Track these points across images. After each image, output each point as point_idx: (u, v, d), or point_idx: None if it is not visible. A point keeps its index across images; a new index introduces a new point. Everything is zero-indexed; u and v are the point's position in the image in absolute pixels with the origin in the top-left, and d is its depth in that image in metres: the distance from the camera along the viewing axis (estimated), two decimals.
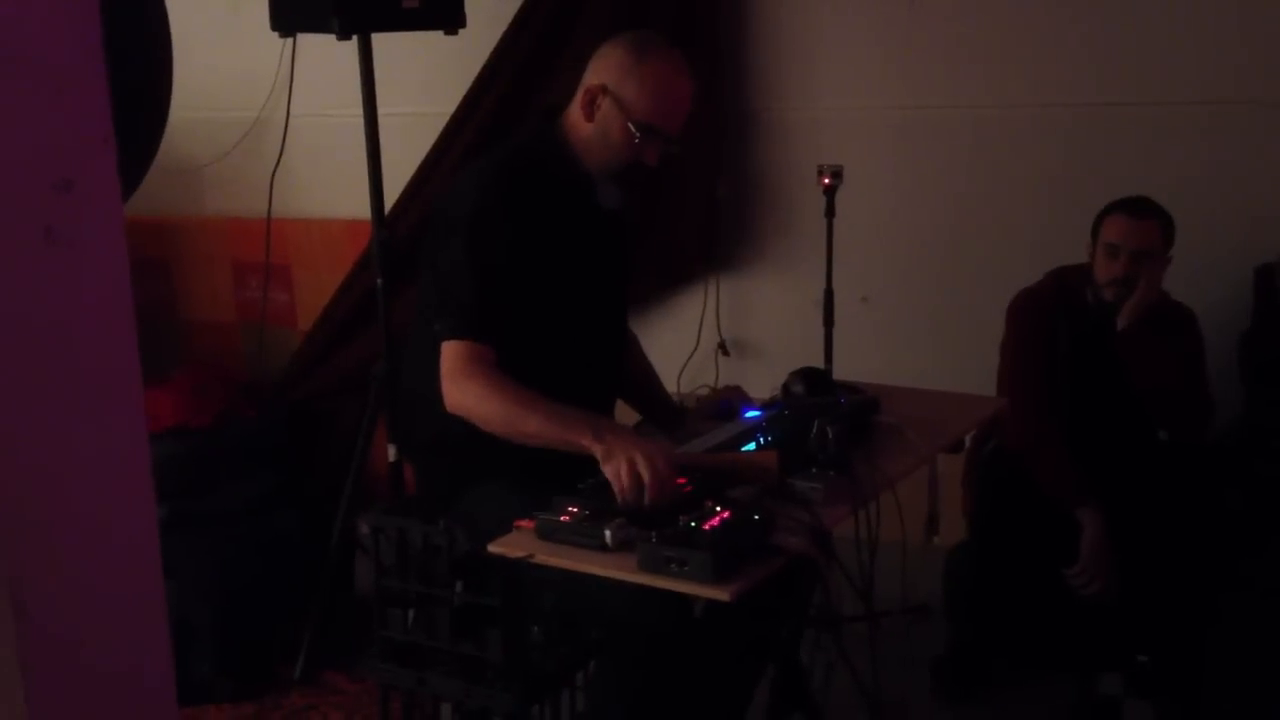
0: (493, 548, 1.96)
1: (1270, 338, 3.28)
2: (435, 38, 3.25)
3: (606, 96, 2.35)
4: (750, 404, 2.49)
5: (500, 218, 2.31)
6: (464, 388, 2.25)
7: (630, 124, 2.33)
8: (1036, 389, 3.07)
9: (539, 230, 2.34)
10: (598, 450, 2.07)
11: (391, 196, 3.68)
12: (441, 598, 2.08)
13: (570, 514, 1.96)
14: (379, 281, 3.29)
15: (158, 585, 1.09)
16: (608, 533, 1.89)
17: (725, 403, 2.55)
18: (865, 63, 3.88)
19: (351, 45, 3.14)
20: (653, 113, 2.34)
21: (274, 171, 3.89)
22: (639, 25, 3.69)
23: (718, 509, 1.91)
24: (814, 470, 2.09)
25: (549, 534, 1.95)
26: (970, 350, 3.41)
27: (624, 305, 2.66)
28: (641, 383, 2.71)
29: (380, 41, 3.22)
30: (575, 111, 2.40)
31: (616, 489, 2.00)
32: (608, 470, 2.03)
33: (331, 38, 3.07)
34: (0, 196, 0.93)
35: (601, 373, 2.53)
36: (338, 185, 4.12)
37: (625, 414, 2.64)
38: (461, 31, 3.28)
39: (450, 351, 2.28)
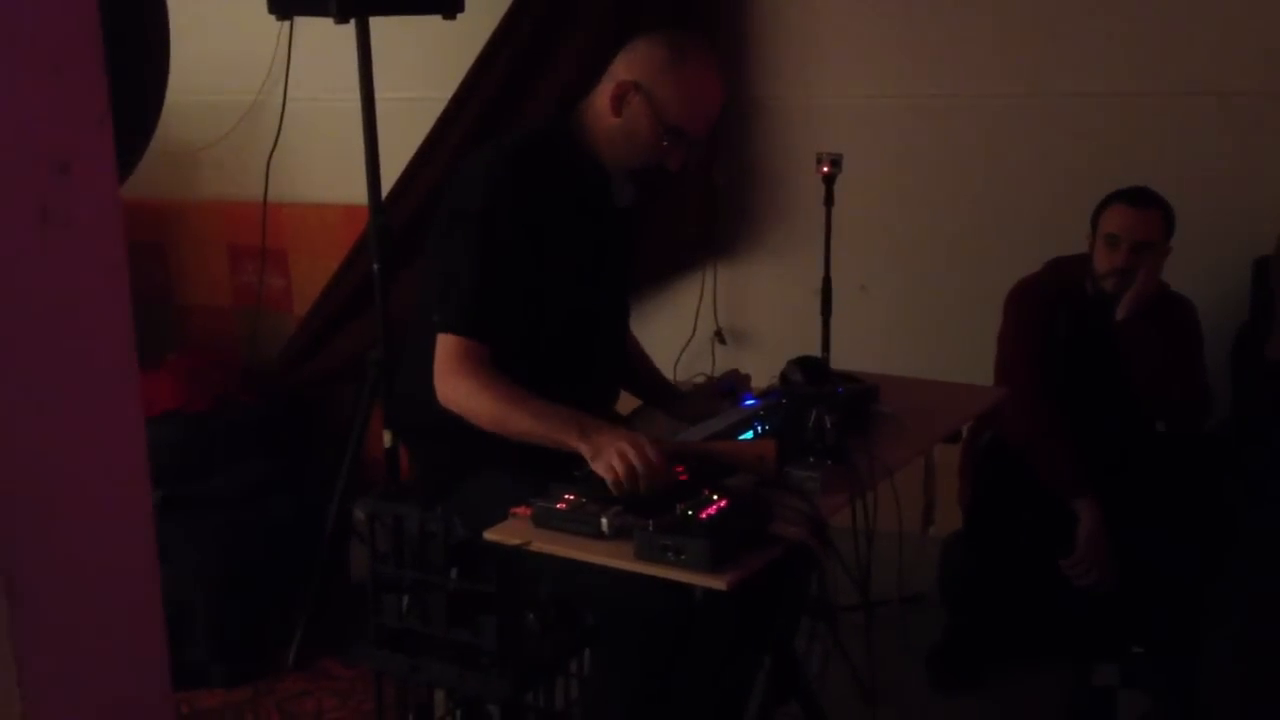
0: (489, 535, 1.95)
1: (1267, 330, 3.27)
2: (433, 22, 3.24)
3: (639, 94, 2.28)
4: (749, 391, 2.49)
5: (510, 212, 2.26)
6: (454, 384, 2.23)
7: (661, 125, 2.28)
8: (1034, 380, 3.06)
9: (548, 223, 2.30)
10: (584, 449, 2.06)
11: (389, 181, 3.67)
12: (436, 584, 2.07)
13: (567, 501, 1.95)
14: (376, 267, 3.27)
15: (153, 569, 1.09)
16: (604, 520, 1.88)
17: (727, 384, 2.54)
18: (865, 51, 3.87)
19: (349, 29, 3.13)
20: (685, 117, 2.29)
21: (270, 155, 3.87)
22: (639, 12, 3.69)
23: (715, 497, 1.90)
24: (811, 459, 2.08)
25: (546, 521, 1.94)
26: (969, 340, 3.41)
27: (627, 300, 2.64)
28: (638, 368, 2.70)
29: (378, 25, 3.20)
30: (600, 104, 2.33)
31: (610, 481, 1.98)
32: (599, 468, 2.01)
33: (329, 21, 3.05)
34: None
35: (604, 366, 2.52)
36: (335, 170, 4.10)
37: (626, 401, 2.63)
38: (460, 16, 3.27)
39: (445, 345, 2.25)
